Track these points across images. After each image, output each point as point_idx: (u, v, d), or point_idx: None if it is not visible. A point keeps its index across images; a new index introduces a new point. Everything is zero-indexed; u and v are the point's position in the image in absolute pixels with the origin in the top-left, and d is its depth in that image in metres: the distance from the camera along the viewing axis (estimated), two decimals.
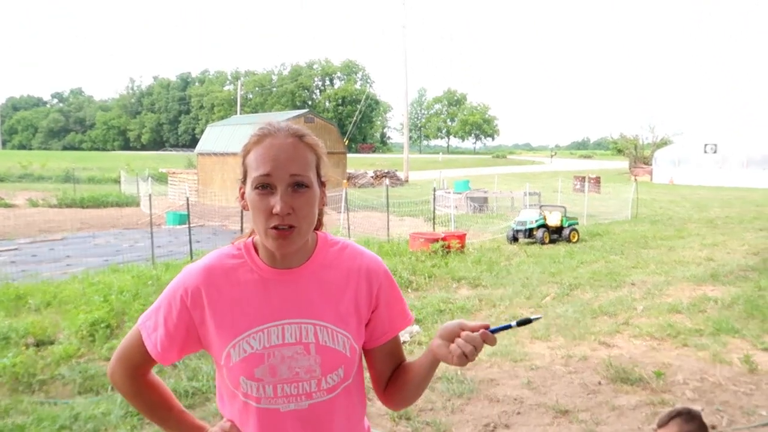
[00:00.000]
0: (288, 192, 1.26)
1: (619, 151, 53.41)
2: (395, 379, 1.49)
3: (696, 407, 2.30)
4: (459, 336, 1.29)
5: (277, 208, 1.24)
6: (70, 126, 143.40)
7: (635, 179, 29.08)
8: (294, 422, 1.34)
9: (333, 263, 1.40)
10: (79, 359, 5.42)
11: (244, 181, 1.34)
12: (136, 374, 1.43)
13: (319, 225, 1.45)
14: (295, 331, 1.33)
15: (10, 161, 45.47)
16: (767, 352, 5.57)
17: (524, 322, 1.33)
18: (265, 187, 1.27)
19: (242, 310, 1.33)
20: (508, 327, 1.35)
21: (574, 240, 12.95)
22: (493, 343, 1.30)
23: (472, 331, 1.29)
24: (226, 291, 1.34)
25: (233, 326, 1.32)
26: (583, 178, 26.54)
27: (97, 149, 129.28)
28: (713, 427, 3.95)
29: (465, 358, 1.29)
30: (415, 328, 6.40)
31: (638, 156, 46.80)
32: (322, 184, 1.37)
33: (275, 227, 1.26)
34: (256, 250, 1.37)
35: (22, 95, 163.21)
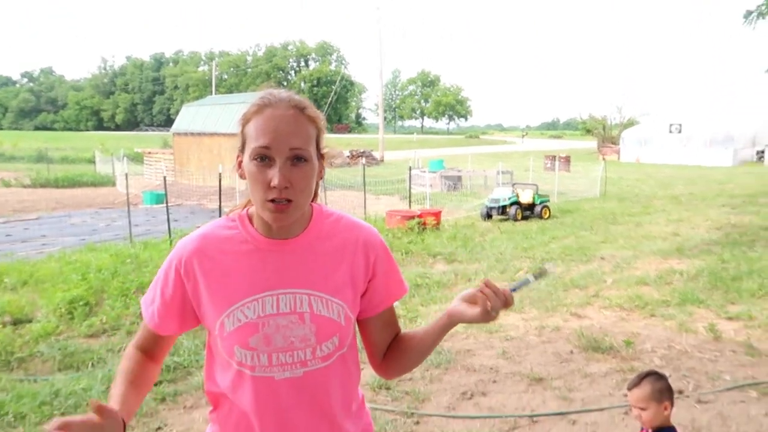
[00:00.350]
0: (287, 165, 1.23)
1: (588, 132, 54.00)
2: (394, 348, 1.48)
3: (663, 372, 2.38)
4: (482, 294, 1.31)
5: (275, 182, 1.21)
6: (41, 106, 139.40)
7: (603, 158, 29.48)
8: (288, 389, 1.33)
9: (328, 234, 1.38)
10: (58, 336, 5.32)
11: (242, 150, 1.30)
12: (143, 350, 1.42)
13: (315, 197, 1.42)
14: (289, 301, 1.31)
15: None
16: (731, 321, 5.71)
17: (541, 275, 1.33)
18: (263, 159, 1.23)
19: (236, 280, 1.31)
20: (527, 282, 1.35)
21: (546, 217, 13.09)
22: (511, 303, 1.31)
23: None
24: (220, 261, 1.32)
25: (227, 296, 1.30)
26: (554, 157, 26.75)
27: (70, 129, 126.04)
28: (680, 392, 4.05)
29: (488, 314, 1.31)
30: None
31: (606, 136, 47.33)
32: (321, 157, 1.34)
33: (272, 200, 1.23)
34: (251, 221, 1.35)
35: None
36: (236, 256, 1.32)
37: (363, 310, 1.43)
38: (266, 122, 1.24)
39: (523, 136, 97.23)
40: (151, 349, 1.42)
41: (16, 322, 5.60)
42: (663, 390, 2.25)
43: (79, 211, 15.77)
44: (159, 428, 3.70)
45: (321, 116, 1.33)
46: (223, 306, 1.30)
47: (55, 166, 29.49)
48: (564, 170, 24.69)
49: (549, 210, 13.35)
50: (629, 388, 2.32)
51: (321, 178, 1.38)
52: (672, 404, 2.28)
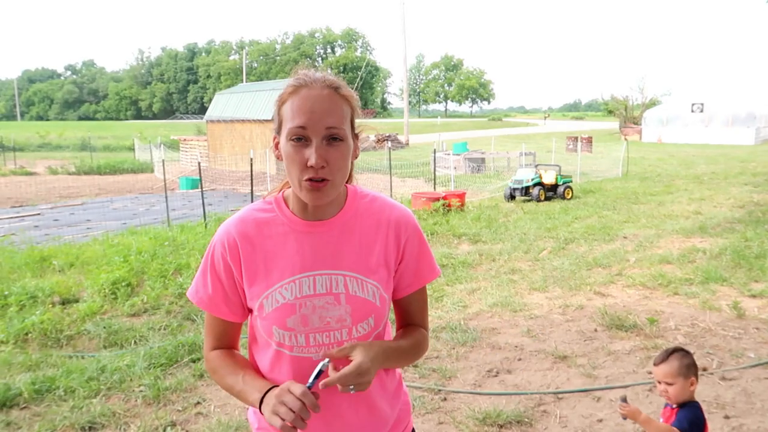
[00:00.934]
0: (323, 145, 1.21)
1: (610, 112, 52.80)
2: (395, 337, 1.45)
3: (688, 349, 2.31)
4: None
5: (312, 161, 1.19)
6: (84, 97, 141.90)
7: (625, 139, 28.83)
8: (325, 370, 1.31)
9: (363, 215, 1.35)
10: (102, 316, 5.42)
11: (278, 131, 1.28)
12: (219, 347, 1.39)
13: (350, 178, 1.40)
14: (325, 282, 1.29)
15: (28, 131, 45.14)
16: (754, 298, 5.56)
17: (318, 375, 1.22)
18: (300, 139, 1.22)
19: (274, 262, 1.29)
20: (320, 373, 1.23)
21: (569, 197, 12.87)
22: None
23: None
24: (259, 244, 1.30)
25: (266, 277, 1.29)
26: (576, 138, 26.27)
27: (111, 119, 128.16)
28: (704, 369, 3.95)
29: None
30: None
31: (628, 116, 46.26)
32: (355, 137, 1.32)
33: (309, 179, 1.21)
34: (287, 204, 1.33)
35: (37, 68, 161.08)
36: (274, 239, 1.30)
37: (393, 291, 1.41)
38: (302, 102, 1.22)
39: (545, 117, 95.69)
40: (224, 343, 1.40)
41: (64, 302, 5.72)
42: (690, 365, 2.19)
43: (121, 197, 16.05)
44: (198, 403, 3.75)
45: (355, 95, 1.31)
46: (263, 288, 1.29)
47: (98, 154, 30.07)
48: (586, 151, 24.24)
49: (572, 190, 13.12)
50: (656, 364, 2.25)
51: (356, 158, 1.35)
52: (697, 380, 2.21)
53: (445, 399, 3.71)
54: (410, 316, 1.47)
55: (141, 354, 4.39)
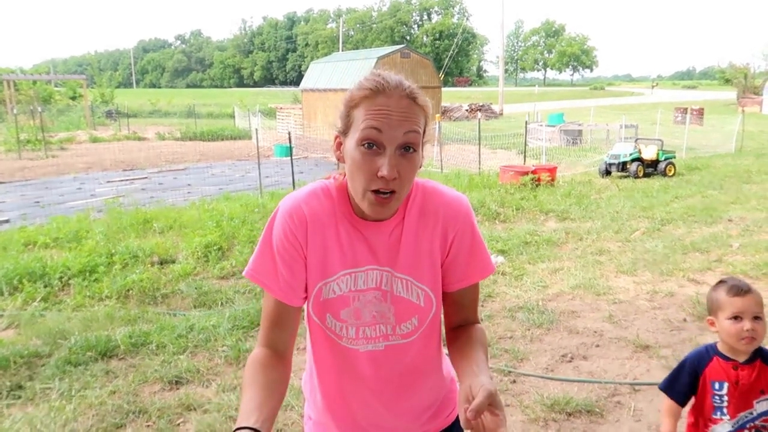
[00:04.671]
0: (396, 155, 1.15)
1: (727, 81, 48.52)
2: (452, 337, 1.38)
3: None
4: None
5: (384, 171, 1.13)
6: (191, 66, 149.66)
7: (743, 110, 26.41)
8: (370, 361, 1.32)
9: (419, 213, 1.31)
10: (195, 277, 5.79)
11: (343, 133, 1.21)
12: (273, 343, 1.28)
13: None
14: (375, 278, 1.28)
15: (141, 99, 48.31)
16: None
17: None
18: (371, 146, 1.15)
19: (332, 253, 1.27)
20: None
21: (670, 174, 12.06)
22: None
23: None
24: (318, 232, 1.27)
25: (324, 268, 1.27)
26: (685, 109, 24.44)
27: (216, 87, 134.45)
28: None
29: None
30: (500, 258, 6.28)
31: (748, 86, 42.31)
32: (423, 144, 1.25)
33: (376, 191, 1.16)
34: (348, 196, 1.29)
35: (150, 38, 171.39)
36: (332, 230, 1.28)
37: (442, 285, 1.37)
38: (379, 109, 1.15)
39: (653, 86, 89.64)
40: (276, 335, 1.28)
41: (162, 262, 6.15)
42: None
43: (220, 163, 16.88)
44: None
45: (429, 104, 1.24)
46: (320, 277, 1.28)
47: (202, 120, 31.69)
48: (696, 123, 22.54)
49: (674, 167, 12.27)
50: (736, 295, 1.86)
51: (420, 167, 1.28)
52: None
53: (514, 381, 3.65)
54: (462, 310, 1.41)
55: (226, 316, 4.65)
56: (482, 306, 4.95)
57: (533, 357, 3.98)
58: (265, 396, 1.15)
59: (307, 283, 1.30)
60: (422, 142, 1.22)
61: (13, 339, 4.31)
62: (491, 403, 1.05)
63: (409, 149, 1.17)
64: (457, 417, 1.50)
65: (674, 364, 3.71)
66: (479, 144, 13.51)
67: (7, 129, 22.36)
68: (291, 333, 1.30)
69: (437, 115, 16.11)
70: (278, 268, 1.25)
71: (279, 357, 1.26)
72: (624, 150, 12.31)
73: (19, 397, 3.49)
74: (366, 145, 1.15)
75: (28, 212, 9.38)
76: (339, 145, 1.24)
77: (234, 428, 1.05)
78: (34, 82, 32.51)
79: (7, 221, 8.93)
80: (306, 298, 1.31)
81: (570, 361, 3.91)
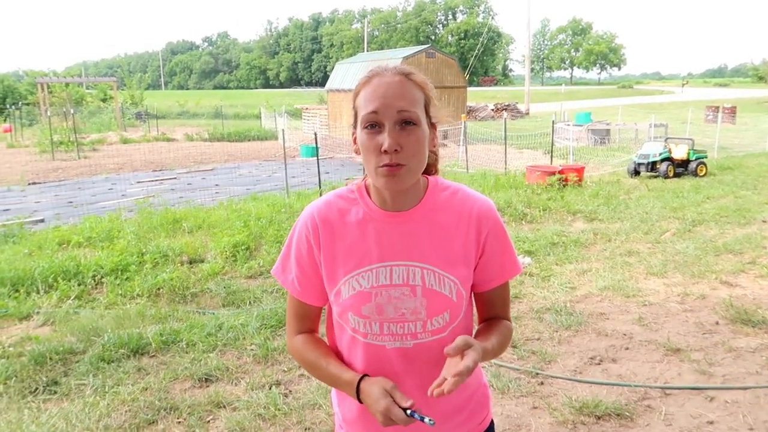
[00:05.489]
0: (395, 129, 1.20)
1: (761, 79, 47.40)
2: (479, 328, 1.42)
3: None
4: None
5: (385, 145, 1.18)
6: (218, 67, 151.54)
7: None
8: (398, 358, 1.32)
9: (444, 207, 1.33)
10: (223, 276, 5.87)
11: (355, 125, 1.29)
12: (302, 331, 1.42)
13: (434, 170, 1.38)
14: (402, 273, 1.29)
15: (170, 100, 49.13)
16: None
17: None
18: (373, 126, 1.21)
19: (352, 250, 1.31)
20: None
21: (702, 174, 11.82)
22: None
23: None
24: (340, 230, 1.32)
25: (344, 264, 1.31)
26: (717, 108, 23.88)
27: (242, 87, 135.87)
28: None
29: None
30: (527, 260, 6.23)
31: None
32: (432, 126, 1.29)
33: (384, 165, 1.20)
34: (369, 193, 1.34)
35: (178, 40, 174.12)
36: (353, 227, 1.32)
37: (474, 285, 1.38)
38: (374, 89, 1.23)
39: (683, 84, 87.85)
40: (306, 326, 1.42)
41: (191, 262, 6.25)
42: None
43: (247, 163, 17.07)
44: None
45: (429, 83, 1.29)
46: (340, 274, 1.31)
47: (229, 121, 32.09)
48: (728, 122, 22.01)
49: (706, 167, 12.02)
50: None
51: (434, 148, 1.33)
52: None
53: (542, 383, 3.63)
54: (493, 309, 1.44)
55: (254, 315, 4.70)
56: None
57: (561, 359, 3.94)
58: (337, 360, 1.36)
59: (327, 286, 1.34)
60: (426, 118, 1.26)
61: (49, 336, 4.43)
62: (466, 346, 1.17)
63: (409, 123, 1.21)
64: (491, 423, 1.49)
65: (706, 368, 3.67)
66: (505, 144, 13.42)
67: (41, 131, 22.96)
68: (315, 320, 1.44)
69: (463, 115, 16.02)
70: (296, 270, 1.36)
71: (314, 335, 1.43)
72: (653, 149, 12.10)
73: (55, 393, 3.59)
74: (369, 127, 1.22)
75: (62, 212, 9.62)
76: (355, 139, 1.30)
77: (356, 381, 1.28)
78: (67, 85, 33.27)
79: (42, 221, 9.18)
80: (324, 299, 1.38)
81: (599, 364, 3.86)
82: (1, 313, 4.93)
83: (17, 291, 5.34)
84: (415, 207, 1.31)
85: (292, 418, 3.26)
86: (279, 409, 3.32)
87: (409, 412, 1.20)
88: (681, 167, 12.01)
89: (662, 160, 11.88)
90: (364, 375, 1.29)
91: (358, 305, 1.29)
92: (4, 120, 31.05)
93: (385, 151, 1.19)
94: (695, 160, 11.98)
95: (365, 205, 1.32)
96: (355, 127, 1.29)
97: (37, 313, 4.94)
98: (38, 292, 5.35)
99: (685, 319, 4.57)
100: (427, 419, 1.19)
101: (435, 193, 1.34)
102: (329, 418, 3.24)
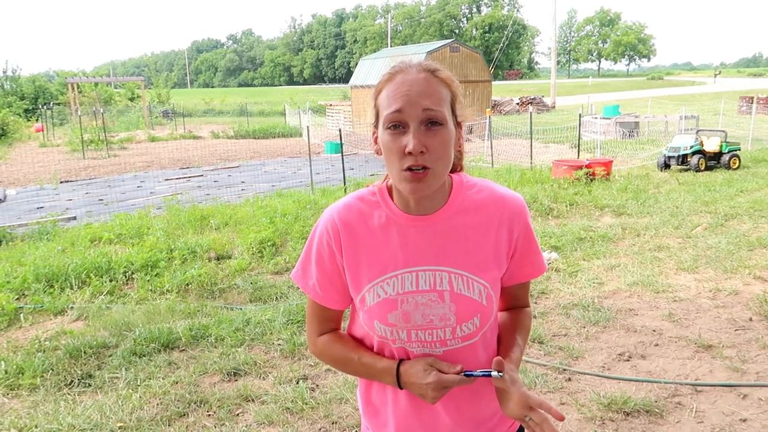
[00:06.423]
0: (421, 130, 1.14)
1: None
2: (501, 318, 1.42)
3: None
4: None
5: (410, 146, 1.12)
6: (243, 65, 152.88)
7: None
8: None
9: (470, 207, 1.26)
10: (250, 272, 5.95)
11: (376, 125, 1.22)
12: (325, 332, 1.38)
13: (460, 168, 1.33)
14: (429, 278, 1.23)
15: (196, 98, 49.73)
16: None
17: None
18: (396, 126, 1.15)
19: (376, 255, 1.25)
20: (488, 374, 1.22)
21: (735, 167, 11.57)
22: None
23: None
24: (362, 235, 1.26)
25: (368, 270, 1.26)
26: (751, 98, 23.33)
27: (267, 85, 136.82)
28: None
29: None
30: (554, 255, 6.19)
31: None
32: (457, 125, 1.23)
33: (409, 168, 1.14)
34: (391, 195, 1.28)
35: (204, 39, 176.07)
36: (377, 231, 1.26)
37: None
38: (397, 87, 1.16)
39: (715, 75, 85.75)
40: (328, 328, 1.39)
41: (219, 258, 6.36)
42: None
43: (272, 160, 17.24)
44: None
45: (455, 79, 1.22)
46: (365, 280, 1.27)
47: (253, 118, 32.39)
48: (763, 113, 21.49)
49: (739, 159, 11.76)
50: None
51: (460, 148, 1.27)
52: None
53: (569, 379, 3.61)
54: (515, 300, 1.42)
55: (281, 310, 4.77)
56: (536, 303, 4.91)
57: (589, 355, 3.92)
58: (369, 351, 1.33)
59: (352, 292, 1.30)
60: (453, 118, 1.20)
61: (83, 330, 4.56)
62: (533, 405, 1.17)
63: (435, 124, 1.15)
64: (520, 427, 1.46)
65: (739, 365, 3.61)
66: (531, 138, 13.30)
67: (72, 130, 23.50)
68: (338, 321, 1.40)
69: (488, 110, 15.93)
70: (318, 274, 1.31)
71: (338, 332, 1.40)
72: (684, 142, 11.88)
73: (90, 386, 3.70)
74: (391, 127, 1.16)
75: (93, 209, 9.86)
76: (376, 139, 1.24)
77: (394, 366, 1.26)
78: (96, 84, 33.99)
79: (74, 218, 9.41)
80: (347, 302, 1.33)
81: (627, 360, 3.83)
82: (37, 308, 5.09)
83: (52, 287, 5.50)
84: (441, 209, 1.25)
85: (320, 411, 3.31)
86: (306, 403, 3.37)
87: (463, 373, 1.21)
88: (713, 160, 11.77)
89: (693, 153, 11.66)
90: (401, 359, 1.26)
91: (383, 313, 1.24)
92: (36, 120, 31.84)
93: (410, 153, 1.13)
94: (728, 152, 11.73)
95: (388, 208, 1.27)
96: (376, 126, 1.22)
97: (72, 308, 5.09)
98: (72, 288, 5.51)
99: (717, 315, 4.50)
100: (493, 372, 1.20)
101: (461, 192, 1.28)
102: (356, 412, 3.28)
